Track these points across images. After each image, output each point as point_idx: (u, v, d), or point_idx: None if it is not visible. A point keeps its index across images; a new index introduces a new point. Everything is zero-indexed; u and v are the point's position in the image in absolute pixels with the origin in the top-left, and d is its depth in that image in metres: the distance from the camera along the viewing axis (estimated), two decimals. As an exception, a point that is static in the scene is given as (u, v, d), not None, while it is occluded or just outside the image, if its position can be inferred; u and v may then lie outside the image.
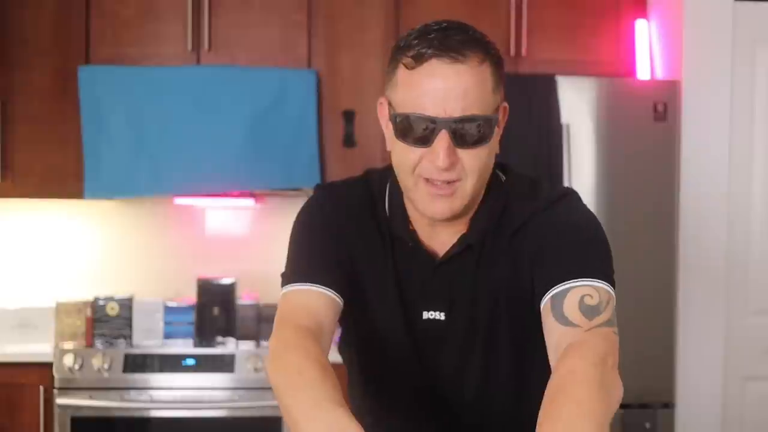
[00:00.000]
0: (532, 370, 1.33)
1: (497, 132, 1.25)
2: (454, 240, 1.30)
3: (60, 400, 2.97)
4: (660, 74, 3.28)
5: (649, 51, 3.32)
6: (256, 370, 3.01)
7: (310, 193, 1.41)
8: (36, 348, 3.16)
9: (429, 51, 1.18)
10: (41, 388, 3.00)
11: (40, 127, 3.22)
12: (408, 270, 1.32)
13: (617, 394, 1.12)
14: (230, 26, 3.28)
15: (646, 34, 3.31)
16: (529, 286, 1.27)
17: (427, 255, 1.31)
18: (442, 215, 1.24)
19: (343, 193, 1.36)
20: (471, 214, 1.29)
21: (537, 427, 1.05)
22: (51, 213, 3.49)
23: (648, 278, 3.04)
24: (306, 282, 1.27)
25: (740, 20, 3.09)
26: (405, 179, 1.25)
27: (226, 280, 3.28)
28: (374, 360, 1.39)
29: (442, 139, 1.17)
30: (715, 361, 3.08)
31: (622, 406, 3.10)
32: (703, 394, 3.08)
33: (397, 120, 1.21)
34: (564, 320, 1.17)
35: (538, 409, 1.08)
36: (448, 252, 1.30)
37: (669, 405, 3.05)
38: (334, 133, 3.27)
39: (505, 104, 1.27)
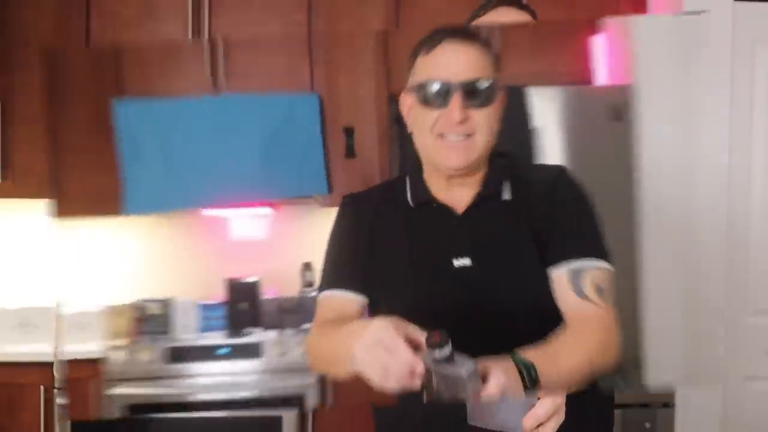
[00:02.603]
0: (552, 308, 1.42)
1: (499, 106, 1.43)
2: (472, 197, 1.47)
3: (113, 391, 3.08)
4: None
5: (607, 60, 3.30)
6: (280, 355, 3.20)
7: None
8: (37, 348, 3.08)
9: (441, 35, 1.41)
10: (42, 387, 2.95)
11: (40, 128, 3.12)
12: (436, 227, 1.47)
13: (610, 355, 1.32)
14: (243, 56, 3.35)
15: (603, 48, 3.30)
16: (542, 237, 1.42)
17: (450, 211, 1.48)
18: (458, 164, 1.40)
19: (362, 193, 1.58)
20: (482, 174, 1.47)
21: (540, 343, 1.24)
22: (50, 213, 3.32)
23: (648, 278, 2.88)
24: (332, 288, 1.49)
25: (740, 20, 3.02)
26: (425, 139, 1.42)
27: (251, 279, 3.49)
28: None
29: (456, 99, 1.37)
30: (715, 361, 3.01)
31: (623, 405, 2.84)
32: (703, 394, 3.03)
33: (419, 87, 1.41)
34: (582, 294, 1.36)
35: None
36: (468, 207, 1.47)
37: (669, 405, 2.97)
38: (337, 147, 3.41)
39: (502, 93, 1.46)
